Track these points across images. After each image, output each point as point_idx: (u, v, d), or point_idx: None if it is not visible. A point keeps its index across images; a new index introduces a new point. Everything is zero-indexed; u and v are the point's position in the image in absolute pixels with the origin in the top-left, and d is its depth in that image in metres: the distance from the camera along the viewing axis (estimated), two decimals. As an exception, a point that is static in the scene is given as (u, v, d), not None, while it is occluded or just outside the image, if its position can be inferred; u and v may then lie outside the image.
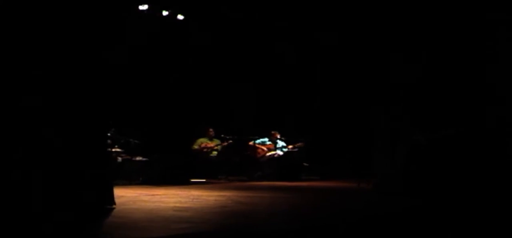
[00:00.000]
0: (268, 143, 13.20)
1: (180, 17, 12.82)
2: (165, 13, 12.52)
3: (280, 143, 13.18)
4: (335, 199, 8.22)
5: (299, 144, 12.96)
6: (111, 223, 4.77)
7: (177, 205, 6.31)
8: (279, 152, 13.01)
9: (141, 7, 11.86)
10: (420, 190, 8.14)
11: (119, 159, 10.87)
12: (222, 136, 12.98)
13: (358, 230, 4.94)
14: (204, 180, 11.77)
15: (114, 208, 5.56)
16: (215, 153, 13.02)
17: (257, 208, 6.29)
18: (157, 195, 7.85)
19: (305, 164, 12.71)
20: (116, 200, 6.83)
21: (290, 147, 13.07)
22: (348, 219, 5.57)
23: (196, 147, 13.00)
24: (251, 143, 13.10)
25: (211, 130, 13.16)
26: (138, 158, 11.12)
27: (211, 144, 13.07)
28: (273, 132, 13.21)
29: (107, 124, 6.12)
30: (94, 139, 5.49)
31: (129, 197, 7.30)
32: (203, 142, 13.05)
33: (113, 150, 10.63)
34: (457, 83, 9.14)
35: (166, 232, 4.03)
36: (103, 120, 5.80)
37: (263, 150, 13.10)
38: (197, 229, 4.31)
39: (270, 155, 12.98)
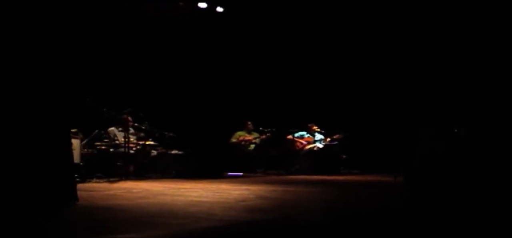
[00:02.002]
0: (307, 136, 12.99)
1: (219, 9, 12.74)
2: (203, 5, 12.44)
3: (319, 136, 12.95)
4: (361, 193, 7.93)
5: (337, 136, 12.68)
6: (101, 219, 4.67)
7: (195, 199, 6.19)
8: (318, 145, 12.78)
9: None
10: (457, 186, 7.76)
11: (154, 152, 10.89)
12: (260, 129, 12.87)
13: (385, 226, 4.69)
14: (241, 174, 11.68)
15: (76, 203, 5.47)
16: (253, 146, 12.90)
17: (274, 202, 6.09)
18: (182, 188, 7.76)
19: (344, 156, 12.42)
20: (137, 194, 6.86)
21: (328, 139, 12.81)
22: (374, 215, 5.32)
23: (234, 140, 12.92)
24: (289, 136, 12.92)
25: (249, 123, 13.07)
26: (173, 151, 11.10)
27: (249, 137, 12.96)
28: (310, 125, 12.98)
29: (69, 119, 5.93)
30: (49, 133, 5.33)
31: (152, 191, 7.25)
32: (241, 135, 12.97)
33: (147, 143, 10.65)
34: (499, 74, 8.69)
35: (153, 231, 3.90)
36: (62, 114, 5.60)
37: (301, 143, 12.89)
38: (190, 226, 4.17)
39: (308, 148, 12.76)
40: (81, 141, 9.47)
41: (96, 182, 8.88)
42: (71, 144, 6.16)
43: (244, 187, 8.10)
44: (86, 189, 7.61)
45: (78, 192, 6.90)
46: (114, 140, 10.39)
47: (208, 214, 4.80)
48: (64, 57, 5.59)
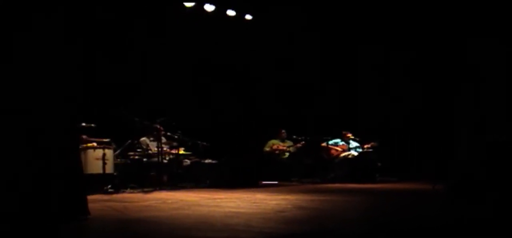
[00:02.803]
0: (341, 143, 12.75)
1: (248, 17, 12.68)
2: (232, 13, 12.39)
3: (354, 143, 12.70)
4: (397, 202, 7.67)
5: (372, 144, 12.42)
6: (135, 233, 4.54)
7: (232, 210, 6.03)
8: (354, 153, 12.53)
9: (207, 8, 11.79)
10: (497, 196, 7.42)
11: (187, 161, 10.80)
12: (294, 137, 12.69)
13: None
14: (275, 183, 11.51)
15: (88, 218, 5.00)
16: (287, 154, 12.71)
17: (311, 212, 5.90)
18: (218, 199, 7.60)
19: (379, 164, 12.14)
20: (171, 205, 6.73)
21: (365, 146, 12.56)
22: (411, 225, 5.09)
23: (267, 149, 12.76)
24: (323, 144, 12.71)
25: (283, 131, 12.91)
26: (207, 161, 10.99)
27: (283, 146, 12.79)
28: (345, 132, 12.75)
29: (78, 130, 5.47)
30: (60, 146, 4.88)
31: (187, 202, 7.12)
32: (275, 144, 12.80)
33: (180, 152, 10.56)
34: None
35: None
36: (72, 123, 5.24)
37: (336, 150, 12.66)
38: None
39: (343, 156, 12.52)
40: (114, 151, 9.41)
41: (130, 192, 8.80)
42: (77, 149, 5.79)
43: (280, 196, 7.92)
44: (120, 199, 7.54)
45: (112, 203, 6.88)
46: (147, 150, 10.31)
47: (246, 226, 4.63)
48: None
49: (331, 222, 5.28)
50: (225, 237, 4.16)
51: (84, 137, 9.25)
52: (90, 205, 5.22)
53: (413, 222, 5.21)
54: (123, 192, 8.77)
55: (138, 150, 10.27)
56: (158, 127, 10.35)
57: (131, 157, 10.09)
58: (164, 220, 5.22)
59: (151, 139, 10.52)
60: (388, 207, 6.91)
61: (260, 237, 4.14)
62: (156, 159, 9.92)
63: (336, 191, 9.36)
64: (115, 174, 9.11)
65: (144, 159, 10.16)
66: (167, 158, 10.42)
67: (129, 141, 9.98)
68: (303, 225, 4.94)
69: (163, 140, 10.61)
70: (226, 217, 5.34)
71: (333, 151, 12.68)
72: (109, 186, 8.77)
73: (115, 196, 8.21)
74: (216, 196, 8.06)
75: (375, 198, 8.22)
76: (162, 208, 6.42)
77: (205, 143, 10.95)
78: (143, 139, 10.54)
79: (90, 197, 7.76)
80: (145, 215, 5.71)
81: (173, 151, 10.56)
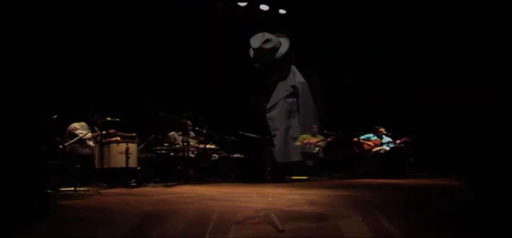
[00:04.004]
0: (374, 138, 12.57)
1: (282, 11, 12.61)
2: (265, 7, 12.34)
3: (386, 139, 12.50)
4: (413, 197, 7.50)
5: (404, 139, 12.19)
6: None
7: (241, 205, 6.01)
8: (386, 148, 12.34)
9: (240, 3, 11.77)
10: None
11: (215, 156, 10.84)
12: (325, 131, 12.55)
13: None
14: (305, 177, 11.42)
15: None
16: (317, 149, 12.60)
17: (320, 208, 5.81)
18: (236, 193, 7.62)
19: (411, 159, 11.92)
20: (186, 199, 6.76)
21: (397, 142, 12.35)
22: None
23: (298, 143, 12.65)
24: (355, 139, 12.56)
25: (314, 126, 12.76)
26: (235, 155, 11.01)
27: (313, 140, 12.66)
28: (378, 127, 12.56)
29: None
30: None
31: (204, 196, 7.15)
32: (305, 138, 12.68)
33: (207, 146, 10.61)
34: None
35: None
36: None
37: (369, 145, 12.50)
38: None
39: (375, 151, 12.34)
40: (138, 145, 9.53)
41: (152, 187, 8.88)
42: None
43: (301, 191, 7.87)
44: (138, 193, 7.63)
45: (127, 197, 6.97)
46: (175, 144, 10.40)
47: (235, 223, 4.60)
48: None
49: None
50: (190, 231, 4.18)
51: (111, 131, 9.41)
52: (108, 198, 5.31)
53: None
54: (146, 186, 8.86)
55: (165, 144, 10.36)
56: (186, 121, 10.45)
57: (158, 151, 10.18)
58: (157, 213, 5.31)
59: (180, 133, 10.61)
60: (402, 201, 6.79)
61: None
62: (182, 154, 10.00)
63: (360, 186, 9.23)
64: (138, 168, 9.21)
65: (171, 153, 10.23)
66: (194, 153, 10.48)
67: (153, 135, 10.08)
68: (299, 221, 4.85)
69: (191, 134, 10.69)
70: (227, 212, 5.33)
71: (365, 146, 12.52)
72: (133, 180, 8.89)
73: (136, 190, 8.31)
74: (236, 191, 8.08)
75: (393, 192, 8.09)
76: (174, 201, 6.47)
77: (233, 138, 10.97)
78: (171, 133, 10.64)
79: (110, 190, 7.96)
80: (147, 209, 5.74)
81: (201, 146, 10.61)
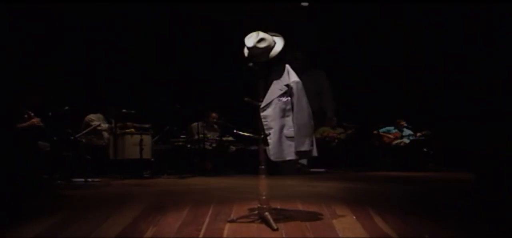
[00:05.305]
0: (394, 131, 12.49)
1: (304, 4, 12.55)
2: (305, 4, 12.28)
3: (407, 131, 12.40)
4: (414, 191, 7.46)
5: (424, 132, 12.08)
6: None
7: (243, 195, 6.14)
8: (405, 140, 12.25)
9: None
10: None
11: (233, 148, 10.90)
12: (344, 124, 12.54)
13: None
14: (323, 170, 11.42)
15: None
16: (337, 141, 12.60)
17: (317, 201, 5.86)
18: (240, 185, 7.75)
19: (431, 152, 11.80)
20: (188, 191, 6.88)
21: (417, 135, 12.24)
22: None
23: (318, 135, 12.67)
24: (375, 131, 12.51)
25: (334, 118, 12.78)
26: (253, 147, 11.06)
27: (333, 133, 12.68)
28: (398, 120, 12.47)
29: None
30: None
31: (209, 188, 7.24)
32: (325, 131, 12.71)
33: (225, 139, 10.69)
34: None
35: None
36: None
37: (389, 137, 12.43)
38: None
39: (395, 144, 12.27)
40: (152, 137, 9.66)
41: (166, 178, 9.01)
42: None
43: (311, 183, 7.93)
44: (148, 184, 7.78)
45: (133, 187, 7.13)
46: (195, 136, 10.44)
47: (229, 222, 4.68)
48: None
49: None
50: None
51: (128, 123, 9.57)
52: (118, 189, 5.46)
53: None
54: (159, 177, 9.00)
55: (182, 136, 10.45)
56: (211, 113, 10.59)
57: (175, 143, 10.29)
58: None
59: (204, 124, 10.65)
60: (406, 196, 6.79)
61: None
62: (200, 145, 10.09)
63: (373, 179, 9.21)
64: (152, 159, 9.35)
65: (188, 145, 10.32)
66: (212, 145, 10.56)
67: (167, 127, 10.20)
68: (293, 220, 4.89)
69: (214, 126, 10.82)
70: (218, 202, 5.44)
71: (385, 139, 12.46)
72: (148, 171, 9.04)
73: (148, 180, 8.47)
74: (244, 182, 8.15)
75: (400, 185, 8.09)
76: (176, 191, 6.61)
77: (250, 130, 10.99)
78: (194, 124, 10.65)
79: (121, 182, 8.13)
80: (139, 199, 5.88)
81: (218, 138, 10.71)
